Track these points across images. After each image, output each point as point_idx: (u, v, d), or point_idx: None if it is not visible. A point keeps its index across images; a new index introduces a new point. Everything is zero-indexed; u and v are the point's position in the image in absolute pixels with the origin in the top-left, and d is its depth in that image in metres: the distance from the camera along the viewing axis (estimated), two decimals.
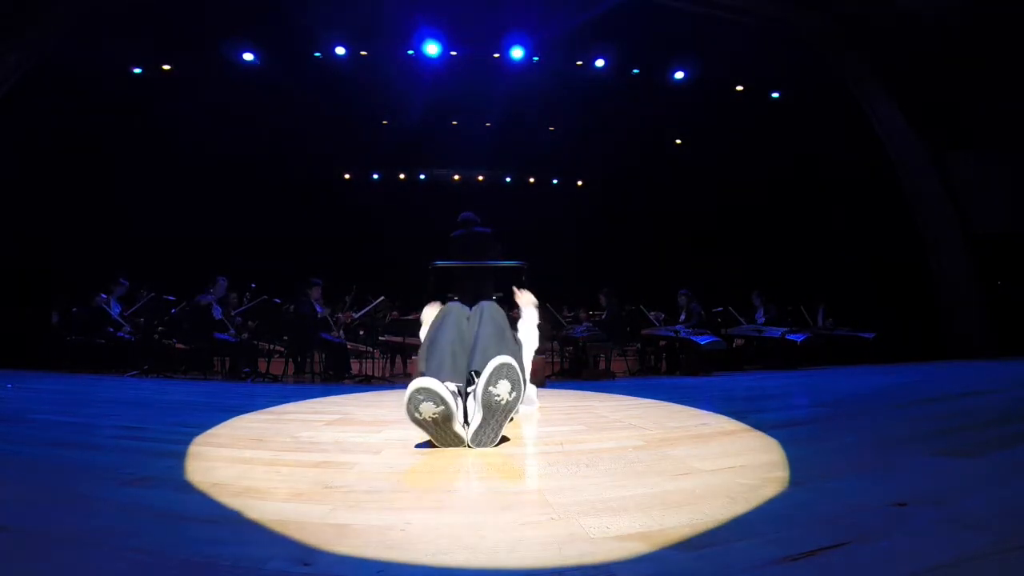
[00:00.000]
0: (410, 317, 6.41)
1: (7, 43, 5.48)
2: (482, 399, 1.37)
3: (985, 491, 0.88)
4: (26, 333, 5.55)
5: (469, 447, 1.35)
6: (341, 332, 5.56)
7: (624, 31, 6.52)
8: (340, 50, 6.64)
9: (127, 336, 5.31)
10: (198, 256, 6.79)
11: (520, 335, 2.17)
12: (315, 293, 5.42)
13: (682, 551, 0.65)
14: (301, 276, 5.68)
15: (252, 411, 2.20)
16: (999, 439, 1.40)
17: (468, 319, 1.75)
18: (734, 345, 6.21)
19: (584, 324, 5.99)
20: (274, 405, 2.44)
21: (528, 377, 1.81)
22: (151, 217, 7.03)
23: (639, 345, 6.39)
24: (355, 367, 5.69)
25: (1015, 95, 5.76)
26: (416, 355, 4.27)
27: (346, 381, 5.05)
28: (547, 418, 2.13)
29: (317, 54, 6.73)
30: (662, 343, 6.09)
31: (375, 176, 9.68)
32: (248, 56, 6.57)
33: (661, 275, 7.83)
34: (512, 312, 2.28)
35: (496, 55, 6.89)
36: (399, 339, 5.91)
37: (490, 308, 1.75)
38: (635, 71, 7.25)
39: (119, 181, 6.87)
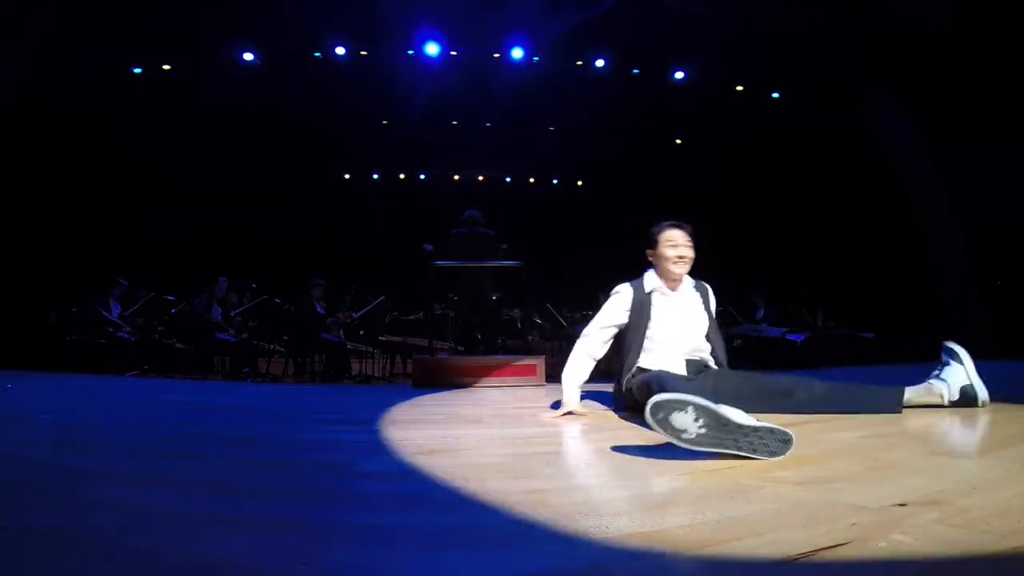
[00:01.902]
0: (411, 317, 6.42)
1: (5, 43, 5.48)
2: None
3: (985, 491, 0.88)
4: (26, 333, 5.55)
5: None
6: (341, 332, 5.56)
7: (624, 31, 6.51)
8: (340, 50, 6.64)
9: (127, 336, 5.31)
10: (198, 256, 6.79)
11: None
12: (316, 293, 5.42)
13: (682, 551, 0.65)
14: (301, 276, 5.68)
15: (252, 411, 2.20)
16: (999, 439, 1.40)
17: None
18: (734, 345, 6.21)
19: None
20: (274, 405, 2.44)
21: None
22: (150, 217, 7.03)
23: None
24: (355, 367, 5.69)
25: (1016, 93, 5.76)
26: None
27: (346, 381, 5.06)
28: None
29: (317, 54, 6.72)
30: None
31: (375, 176, 9.68)
32: (248, 56, 6.57)
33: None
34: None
35: (496, 55, 6.89)
36: (399, 339, 5.90)
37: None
38: (635, 71, 7.26)
39: (119, 180, 6.87)
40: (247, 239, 7.74)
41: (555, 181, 10.23)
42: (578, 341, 2.11)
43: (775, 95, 7.50)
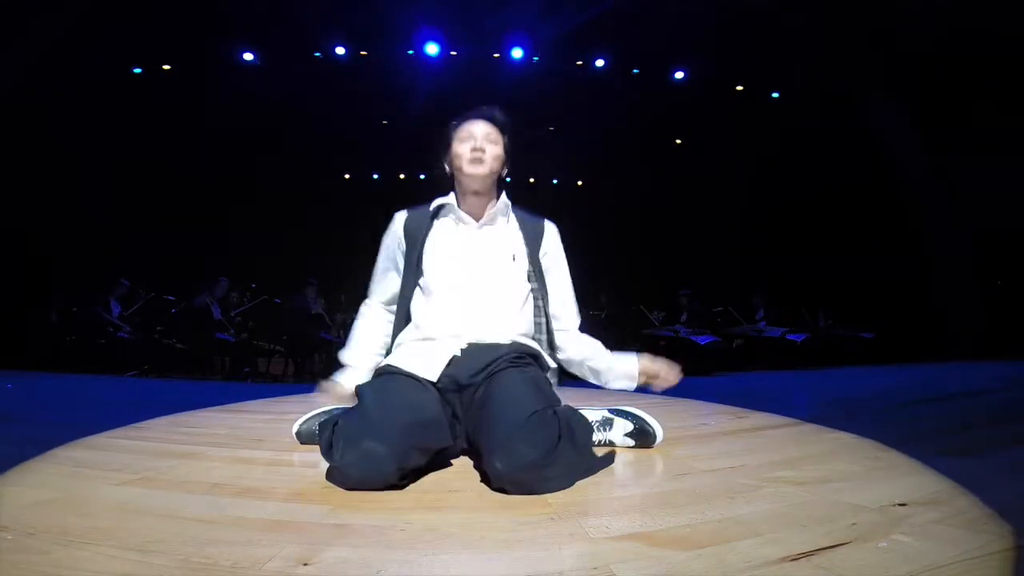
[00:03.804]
0: None
1: (6, 42, 5.49)
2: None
3: (985, 491, 0.88)
4: (26, 333, 5.55)
5: None
6: (341, 332, 5.56)
7: (624, 31, 6.52)
8: (340, 50, 6.65)
9: (127, 336, 5.31)
10: (198, 256, 6.79)
11: None
12: (310, 292, 5.44)
13: (682, 551, 0.65)
14: (300, 276, 5.68)
15: (252, 411, 2.20)
16: (999, 439, 1.41)
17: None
18: (734, 345, 6.21)
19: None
20: (274, 405, 2.44)
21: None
22: (150, 217, 7.03)
23: (639, 345, 6.41)
24: None
25: (1016, 95, 5.76)
26: None
27: None
28: None
29: (317, 54, 6.73)
30: (662, 343, 6.09)
31: (375, 176, 9.69)
32: (248, 56, 6.58)
33: (661, 275, 7.83)
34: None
35: (496, 55, 6.89)
36: None
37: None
38: (635, 71, 7.26)
39: (118, 180, 6.87)
40: (247, 239, 7.74)
41: (555, 181, 10.23)
42: None
43: (775, 95, 7.50)
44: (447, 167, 1.42)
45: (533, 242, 1.37)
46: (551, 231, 1.42)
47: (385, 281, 1.40)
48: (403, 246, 1.36)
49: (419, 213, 1.40)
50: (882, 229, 7.04)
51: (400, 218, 1.40)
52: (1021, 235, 6.21)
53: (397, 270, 1.38)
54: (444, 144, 1.42)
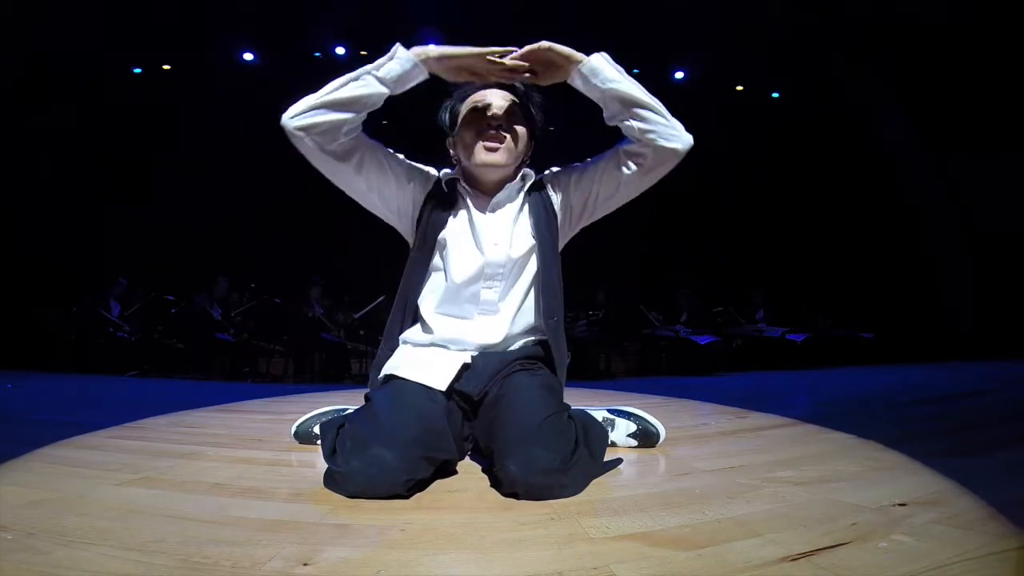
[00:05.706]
0: None
1: (6, 42, 5.49)
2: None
3: (985, 491, 0.88)
4: (26, 333, 5.55)
5: None
6: (341, 332, 5.56)
7: (624, 31, 6.52)
8: (340, 50, 6.66)
9: (127, 336, 5.31)
10: (198, 256, 6.78)
11: None
12: (315, 292, 5.43)
13: (682, 551, 0.65)
14: (301, 276, 5.68)
15: (252, 411, 2.20)
16: (999, 439, 1.41)
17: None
18: (734, 345, 6.21)
19: (582, 322, 5.99)
20: (274, 405, 2.44)
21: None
22: (150, 217, 7.03)
23: (639, 345, 6.40)
24: (355, 367, 5.69)
25: (1016, 95, 5.77)
26: None
27: (346, 381, 5.06)
28: None
29: (317, 54, 6.73)
30: (662, 343, 6.09)
31: None
32: (248, 56, 6.58)
33: (661, 274, 7.83)
34: None
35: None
36: None
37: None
38: (635, 71, 7.26)
39: (118, 180, 6.87)
40: (247, 239, 7.74)
41: None
42: None
43: (775, 95, 7.50)
44: (451, 150, 1.22)
45: (546, 199, 1.20)
46: (550, 180, 1.26)
47: (394, 158, 1.25)
48: (417, 207, 1.22)
49: (440, 184, 1.21)
50: (882, 229, 7.04)
51: (430, 181, 1.23)
52: (1021, 235, 6.21)
53: (401, 179, 1.23)
54: (447, 119, 1.20)
